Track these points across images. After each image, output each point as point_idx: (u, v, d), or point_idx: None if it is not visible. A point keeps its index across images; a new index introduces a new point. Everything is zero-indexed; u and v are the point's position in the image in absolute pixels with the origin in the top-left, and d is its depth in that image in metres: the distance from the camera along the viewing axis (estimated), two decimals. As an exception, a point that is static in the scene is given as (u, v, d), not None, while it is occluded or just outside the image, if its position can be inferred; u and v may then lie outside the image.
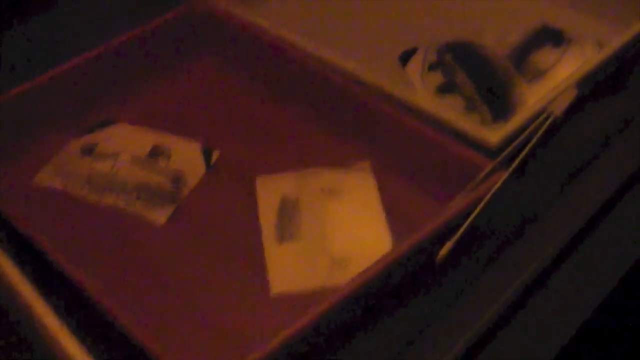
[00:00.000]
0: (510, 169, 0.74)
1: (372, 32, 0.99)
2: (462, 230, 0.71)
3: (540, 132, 0.76)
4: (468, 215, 0.72)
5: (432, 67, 0.91)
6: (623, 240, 0.79)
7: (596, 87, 0.89)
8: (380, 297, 0.71)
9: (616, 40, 0.88)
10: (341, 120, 0.86)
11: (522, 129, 0.77)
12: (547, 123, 0.77)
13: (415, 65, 0.91)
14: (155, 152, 0.85)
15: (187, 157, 0.84)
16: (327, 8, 1.04)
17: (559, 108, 0.78)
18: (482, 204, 0.72)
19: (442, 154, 0.79)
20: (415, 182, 0.80)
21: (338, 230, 0.77)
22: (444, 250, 0.70)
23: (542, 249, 0.77)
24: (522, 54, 0.93)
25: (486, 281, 0.74)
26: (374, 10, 1.03)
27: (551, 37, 0.95)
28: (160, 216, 0.79)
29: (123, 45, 0.91)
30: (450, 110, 0.83)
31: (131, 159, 0.84)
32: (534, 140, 0.76)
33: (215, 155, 0.85)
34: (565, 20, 0.98)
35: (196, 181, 0.82)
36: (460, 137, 0.79)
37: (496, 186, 0.73)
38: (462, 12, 1.03)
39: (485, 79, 0.89)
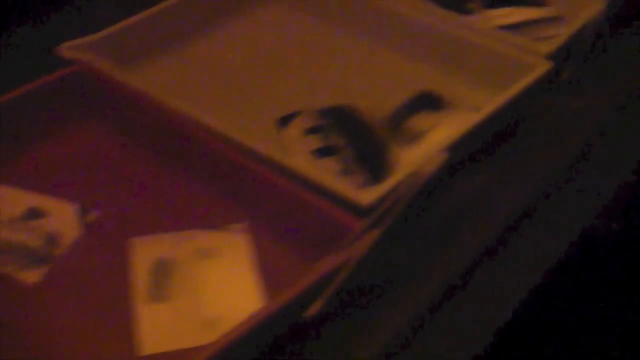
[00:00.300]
0: (381, 229, 0.75)
1: (252, 95, 1.01)
2: (331, 289, 0.72)
3: (410, 193, 0.78)
4: (338, 274, 0.72)
5: (311, 131, 0.92)
6: (495, 298, 0.81)
7: (472, 150, 0.91)
8: (253, 355, 0.71)
9: (489, 106, 0.91)
10: (219, 182, 0.86)
11: (393, 190, 0.79)
12: (418, 184, 0.78)
13: (294, 129, 0.93)
14: (31, 214, 0.84)
15: (63, 218, 0.84)
16: (209, 72, 1.05)
17: (429, 170, 0.79)
18: (352, 264, 0.73)
19: (317, 216, 0.80)
20: (291, 243, 0.81)
21: (211, 291, 0.78)
22: (313, 309, 0.71)
23: (412, 307, 0.78)
24: (401, 118, 0.95)
25: (358, 338, 0.75)
26: (255, 74, 1.05)
27: (429, 102, 0.97)
28: (31, 276, 0.78)
29: (3, 106, 0.90)
30: (326, 173, 0.84)
31: (5, 220, 0.83)
32: (404, 201, 0.77)
33: (92, 217, 0.84)
34: (444, 85, 1.01)
35: (71, 242, 0.82)
36: (335, 199, 0.80)
37: (366, 246, 0.74)
38: (342, 76, 1.05)
39: (363, 143, 0.91)
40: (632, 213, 1.24)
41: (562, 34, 1.02)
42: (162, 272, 0.79)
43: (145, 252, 0.80)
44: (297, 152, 0.90)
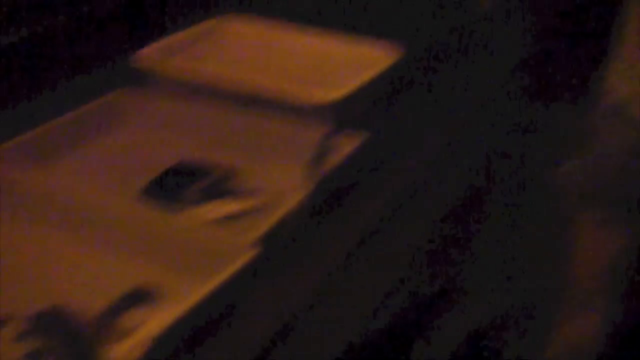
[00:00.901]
0: None
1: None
2: None
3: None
4: None
5: (21, 337, 0.92)
6: None
7: (181, 339, 0.94)
8: None
9: (194, 296, 0.95)
10: None
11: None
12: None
13: (3, 336, 0.93)
14: None
15: None
16: None
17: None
18: None
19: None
20: None
21: None
22: None
23: None
24: (111, 316, 0.97)
25: None
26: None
27: (140, 297, 1.00)
28: None
29: None
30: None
31: None
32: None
33: None
34: (156, 279, 1.04)
35: None
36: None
37: None
38: (51, 278, 1.06)
39: (72, 344, 0.92)
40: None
41: (267, 222, 1.09)
42: None
43: None
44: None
